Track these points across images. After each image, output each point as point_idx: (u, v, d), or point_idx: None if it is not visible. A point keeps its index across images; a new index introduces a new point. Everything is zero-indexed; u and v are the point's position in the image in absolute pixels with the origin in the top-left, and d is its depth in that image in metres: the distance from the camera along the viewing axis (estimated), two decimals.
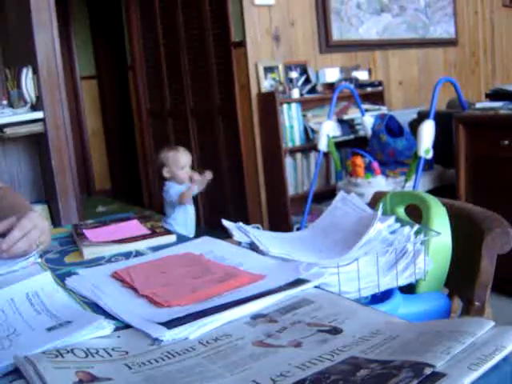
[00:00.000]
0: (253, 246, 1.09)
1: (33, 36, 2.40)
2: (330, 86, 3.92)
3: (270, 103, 3.69)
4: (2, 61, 2.81)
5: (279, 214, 3.84)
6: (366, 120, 3.69)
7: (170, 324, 0.71)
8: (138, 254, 1.12)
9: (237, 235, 1.14)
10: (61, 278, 0.97)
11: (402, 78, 4.72)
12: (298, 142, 3.84)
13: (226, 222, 1.18)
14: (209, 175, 3.04)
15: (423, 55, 4.88)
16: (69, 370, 0.61)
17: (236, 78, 3.86)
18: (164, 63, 4.66)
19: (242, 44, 3.77)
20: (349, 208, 1.24)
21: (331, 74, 4.08)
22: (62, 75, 2.51)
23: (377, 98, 4.17)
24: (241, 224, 1.18)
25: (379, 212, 1.12)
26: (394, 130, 3.48)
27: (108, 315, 0.78)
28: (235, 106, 3.89)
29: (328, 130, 3.47)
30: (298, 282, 0.84)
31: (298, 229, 3.50)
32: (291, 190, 3.82)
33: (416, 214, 1.21)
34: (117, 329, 0.74)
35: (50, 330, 0.74)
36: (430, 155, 2.95)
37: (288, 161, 3.80)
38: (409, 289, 1.14)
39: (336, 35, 4.22)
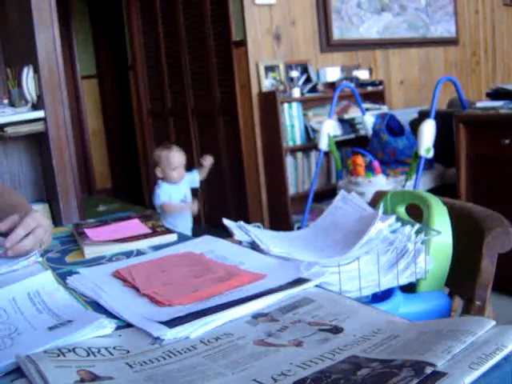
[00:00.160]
0: (254, 245, 1.09)
1: (34, 35, 2.40)
2: (331, 86, 3.92)
3: (270, 102, 3.69)
4: (3, 60, 2.81)
5: (280, 213, 3.84)
6: (367, 119, 3.69)
7: (171, 323, 0.71)
8: (139, 253, 1.12)
9: (238, 234, 1.14)
10: (62, 277, 0.97)
11: (403, 77, 4.72)
12: (298, 142, 3.84)
13: (226, 221, 1.18)
14: (209, 160, 2.99)
15: (424, 54, 4.88)
16: (70, 368, 0.61)
17: (237, 78, 3.86)
18: (165, 63, 4.66)
19: (242, 43, 3.77)
20: (349, 207, 1.24)
21: (332, 74, 4.08)
22: (63, 74, 2.51)
23: (377, 97, 4.17)
24: (242, 223, 1.18)
25: (380, 211, 1.12)
26: (394, 130, 3.48)
27: (109, 314, 0.78)
28: (236, 105, 3.89)
29: (329, 130, 3.47)
30: (299, 281, 0.84)
31: (298, 228, 3.50)
32: (292, 189, 3.82)
33: (417, 213, 1.21)
34: (118, 328, 0.74)
35: (51, 329, 0.74)
36: (430, 154, 2.95)
37: (289, 160, 3.80)
38: (409, 288, 1.14)
39: (337, 34, 4.22)
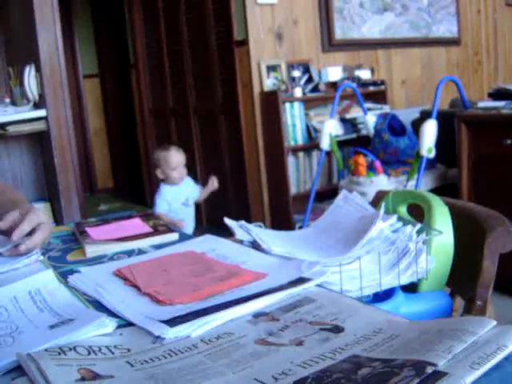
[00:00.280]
0: (255, 245, 1.09)
1: (36, 34, 2.40)
2: (333, 85, 3.92)
3: (272, 102, 3.69)
4: (5, 59, 2.81)
5: (281, 212, 3.85)
6: (369, 119, 3.69)
7: (172, 322, 0.71)
8: (141, 252, 1.12)
9: (239, 233, 1.14)
10: (63, 276, 0.97)
11: (405, 77, 4.72)
12: (300, 141, 3.84)
13: (228, 221, 1.18)
14: (215, 183, 2.97)
15: (426, 54, 4.88)
16: (71, 367, 0.61)
17: (238, 77, 3.86)
18: (166, 62, 4.67)
19: (244, 43, 3.77)
20: (351, 207, 1.24)
21: (334, 73, 4.08)
22: (65, 73, 2.51)
23: (379, 97, 4.17)
24: (243, 222, 1.18)
25: (381, 211, 1.12)
26: (396, 129, 3.48)
27: (110, 313, 0.78)
28: (238, 104, 3.90)
29: (330, 129, 3.47)
30: (300, 281, 0.84)
31: (300, 227, 3.50)
32: (293, 189, 3.82)
33: (418, 213, 1.21)
34: (119, 326, 0.74)
35: (52, 327, 0.74)
36: (432, 154, 2.95)
37: (290, 159, 3.80)
38: (411, 288, 1.14)
39: (339, 34, 4.22)
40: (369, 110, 3.85)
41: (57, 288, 0.89)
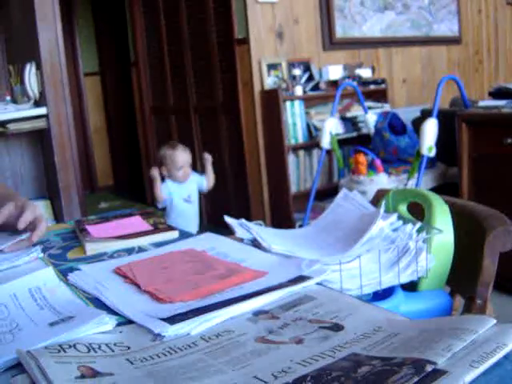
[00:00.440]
0: (255, 243, 1.09)
1: (36, 32, 2.40)
2: (333, 84, 3.92)
3: (273, 100, 3.69)
4: (6, 57, 2.81)
5: (282, 211, 3.85)
6: (369, 118, 3.69)
7: (172, 320, 0.72)
8: (141, 249, 1.12)
9: (239, 232, 1.14)
10: (63, 274, 0.97)
11: (406, 75, 4.72)
12: (300, 140, 3.84)
13: (228, 219, 1.18)
14: (206, 156, 2.95)
15: (426, 53, 4.87)
16: (71, 364, 0.61)
17: (239, 75, 3.85)
18: (167, 60, 4.66)
19: (245, 41, 3.77)
20: (351, 205, 1.24)
21: (334, 72, 4.08)
22: (66, 71, 2.51)
23: (380, 95, 4.17)
24: (243, 221, 1.18)
25: (381, 209, 1.12)
26: (396, 128, 3.48)
27: (110, 311, 0.78)
28: (238, 103, 3.89)
29: (331, 128, 3.47)
30: (300, 279, 0.84)
31: (300, 226, 3.50)
32: (294, 188, 3.82)
33: (418, 211, 1.21)
34: (119, 324, 0.74)
35: (52, 325, 0.74)
36: (432, 153, 2.95)
37: (291, 158, 3.80)
38: (411, 286, 1.14)
39: (339, 33, 4.21)
40: (369, 108, 3.85)
41: (57, 285, 0.89)
